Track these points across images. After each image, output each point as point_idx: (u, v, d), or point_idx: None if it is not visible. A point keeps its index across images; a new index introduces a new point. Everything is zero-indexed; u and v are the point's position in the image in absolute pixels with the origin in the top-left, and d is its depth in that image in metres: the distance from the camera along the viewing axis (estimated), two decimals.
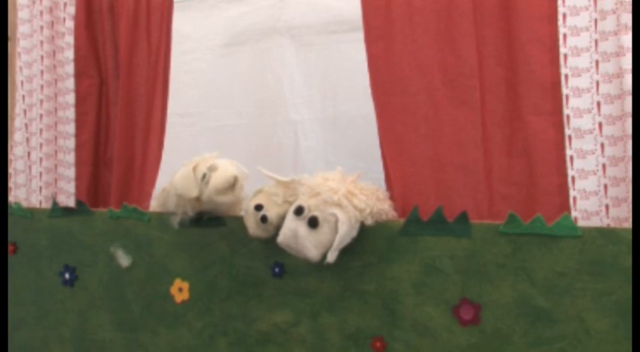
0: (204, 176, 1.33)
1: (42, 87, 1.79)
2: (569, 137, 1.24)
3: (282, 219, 1.24)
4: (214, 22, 2.00)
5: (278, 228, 1.24)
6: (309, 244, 1.18)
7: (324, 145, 1.84)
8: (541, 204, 1.24)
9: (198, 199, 1.36)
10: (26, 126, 1.83)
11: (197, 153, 1.41)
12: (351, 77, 1.77)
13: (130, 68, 1.69)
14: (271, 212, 1.26)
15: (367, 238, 1.23)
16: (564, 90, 1.25)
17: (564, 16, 1.25)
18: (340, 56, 1.82)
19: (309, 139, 1.86)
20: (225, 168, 1.33)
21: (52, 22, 1.81)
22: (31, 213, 1.71)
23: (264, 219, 1.25)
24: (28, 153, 1.83)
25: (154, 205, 1.52)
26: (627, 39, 1.17)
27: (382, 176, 1.37)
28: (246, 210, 1.30)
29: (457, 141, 1.32)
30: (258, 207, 1.26)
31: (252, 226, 1.29)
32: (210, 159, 1.37)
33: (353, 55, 1.75)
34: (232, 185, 1.32)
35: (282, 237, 1.21)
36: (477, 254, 1.15)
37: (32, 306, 1.69)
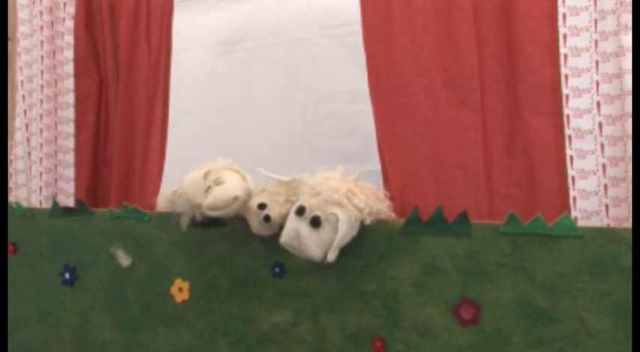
0: (209, 187, 1.31)
1: (42, 87, 1.79)
2: (570, 137, 1.24)
3: (284, 217, 1.24)
4: (212, 21, 2.00)
5: (281, 226, 1.24)
6: (311, 244, 1.18)
7: (320, 146, 1.84)
8: (541, 204, 1.24)
9: None
10: (26, 126, 1.83)
11: (192, 153, 1.39)
12: (345, 77, 1.77)
13: (130, 68, 1.69)
14: (274, 211, 1.26)
15: (367, 238, 1.23)
16: (564, 91, 1.24)
17: (564, 16, 1.25)
18: (338, 56, 1.82)
19: (304, 139, 1.86)
20: (228, 186, 1.29)
21: (52, 22, 1.81)
22: (31, 213, 1.71)
23: (267, 218, 1.25)
24: (29, 153, 1.82)
25: (163, 205, 1.49)
26: (627, 39, 1.16)
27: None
28: (249, 208, 1.30)
29: (457, 142, 1.31)
30: (262, 206, 1.27)
31: (255, 224, 1.30)
32: (220, 169, 1.34)
33: (349, 55, 1.76)
34: (229, 204, 1.29)
35: (284, 238, 1.21)
36: (477, 254, 1.15)
37: (32, 306, 1.69)
